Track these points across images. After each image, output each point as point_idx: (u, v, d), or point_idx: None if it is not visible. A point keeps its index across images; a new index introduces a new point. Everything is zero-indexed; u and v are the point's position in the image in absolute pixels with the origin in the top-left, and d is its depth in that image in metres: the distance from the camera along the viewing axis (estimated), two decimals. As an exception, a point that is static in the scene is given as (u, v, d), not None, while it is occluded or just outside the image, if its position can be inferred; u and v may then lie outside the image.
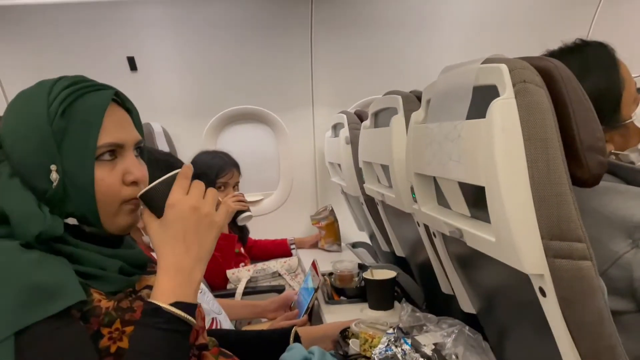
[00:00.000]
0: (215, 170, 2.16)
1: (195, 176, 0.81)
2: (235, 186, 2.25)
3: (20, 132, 0.76)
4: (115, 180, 0.78)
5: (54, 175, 0.74)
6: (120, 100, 0.83)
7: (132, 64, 2.49)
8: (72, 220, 0.78)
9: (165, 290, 0.72)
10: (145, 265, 0.88)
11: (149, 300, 0.72)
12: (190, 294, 0.74)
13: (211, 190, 0.80)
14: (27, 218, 0.72)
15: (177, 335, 0.71)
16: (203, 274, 0.77)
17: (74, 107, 0.76)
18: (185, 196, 0.77)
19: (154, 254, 1.06)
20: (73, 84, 0.77)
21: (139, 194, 0.79)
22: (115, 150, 0.79)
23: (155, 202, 0.78)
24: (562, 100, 0.75)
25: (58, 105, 0.74)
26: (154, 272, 0.91)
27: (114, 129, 0.78)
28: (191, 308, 0.73)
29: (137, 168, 0.80)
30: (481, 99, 0.77)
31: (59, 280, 0.69)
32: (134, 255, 0.85)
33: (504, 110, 0.72)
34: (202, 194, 0.78)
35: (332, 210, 2.53)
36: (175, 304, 0.71)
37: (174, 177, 0.78)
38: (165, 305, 0.71)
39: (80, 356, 0.68)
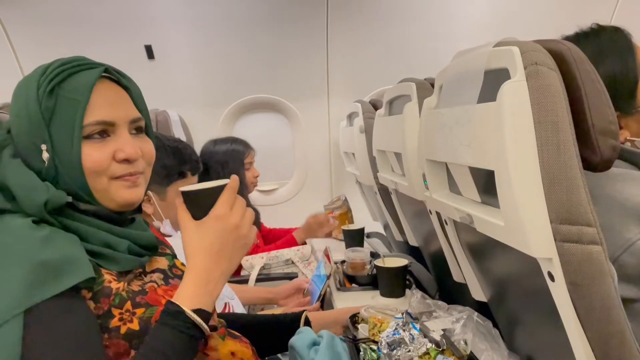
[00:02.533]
0: (241, 155, 2.29)
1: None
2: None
3: (16, 113, 0.78)
4: (103, 156, 0.78)
5: (45, 155, 0.76)
6: (116, 78, 0.83)
7: (149, 52, 2.52)
8: (68, 198, 0.78)
9: (190, 296, 0.74)
10: (155, 247, 0.89)
11: (173, 301, 0.74)
12: (210, 304, 0.76)
13: (250, 210, 0.82)
14: (31, 189, 0.74)
15: (192, 340, 0.73)
16: (223, 288, 0.79)
17: (62, 86, 0.76)
18: (230, 212, 0.78)
19: (168, 239, 1.08)
20: (65, 64, 0.78)
21: (182, 189, 0.80)
22: (106, 129, 0.79)
23: (196, 204, 0.79)
24: (574, 83, 0.74)
25: (47, 84, 0.75)
26: (164, 254, 0.92)
27: (102, 106, 0.78)
28: (209, 316, 0.76)
29: (129, 145, 0.79)
30: (493, 83, 0.77)
31: (69, 257, 0.70)
32: (144, 236, 0.86)
33: (515, 92, 0.71)
34: (244, 212, 0.80)
35: (345, 200, 2.53)
36: (197, 311, 0.73)
37: (221, 188, 0.80)
38: (188, 310, 0.73)
39: (87, 337, 0.69)
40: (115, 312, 0.74)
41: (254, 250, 2.21)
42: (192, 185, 0.82)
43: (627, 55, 0.95)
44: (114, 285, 0.76)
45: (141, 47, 2.50)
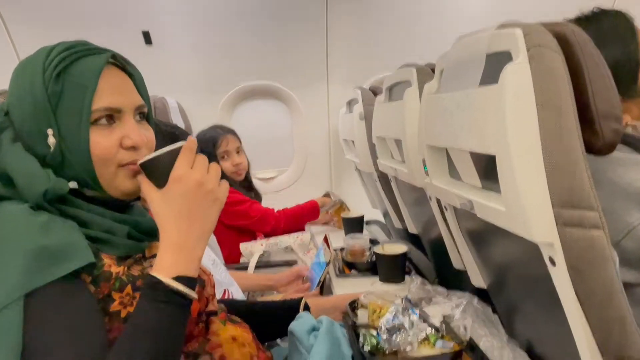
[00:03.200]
0: (210, 143, 2.17)
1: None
2: (239, 152, 2.26)
3: (19, 97, 0.77)
4: (111, 143, 0.77)
5: (51, 140, 0.75)
6: (121, 64, 0.82)
7: (147, 38, 2.49)
8: (73, 184, 0.78)
9: (167, 265, 0.72)
10: (154, 232, 0.88)
11: (150, 273, 0.72)
12: (192, 269, 0.73)
13: (214, 165, 0.79)
14: (31, 177, 0.73)
15: (177, 309, 0.71)
16: (204, 250, 0.77)
17: (69, 71, 0.76)
18: (191, 170, 0.76)
19: None
20: (70, 48, 0.77)
21: (140, 162, 0.78)
22: (113, 115, 0.78)
23: (156, 173, 0.77)
24: (578, 66, 0.73)
25: (53, 69, 0.74)
26: None
27: (110, 93, 0.77)
28: (192, 282, 0.73)
29: (135, 132, 0.79)
30: (495, 66, 0.75)
31: (68, 242, 0.70)
32: (144, 221, 0.85)
33: (517, 75, 0.70)
34: (206, 169, 0.77)
35: (333, 196, 2.53)
36: (177, 279, 0.71)
37: (177, 150, 0.77)
38: (165, 279, 0.70)
39: (88, 320, 0.69)
40: (116, 296, 0.74)
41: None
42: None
43: (629, 39, 0.94)
44: (114, 269, 0.75)
45: (139, 33, 2.48)
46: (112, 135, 0.78)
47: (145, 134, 0.82)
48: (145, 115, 0.85)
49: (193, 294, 0.72)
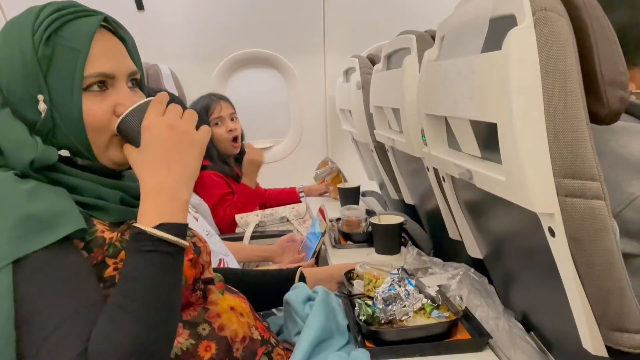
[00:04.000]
0: (203, 110, 2.12)
1: None
2: (234, 119, 2.21)
3: (8, 61, 0.73)
4: (105, 111, 0.75)
5: (42, 106, 0.72)
6: (113, 28, 0.79)
7: (139, 2, 2.42)
8: (64, 152, 0.75)
9: (149, 213, 0.69)
10: None
11: (134, 224, 0.68)
12: (177, 214, 0.70)
13: (190, 111, 0.76)
14: (19, 145, 0.71)
15: (166, 257, 0.67)
16: (190, 194, 0.73)
17: (60, 34, 0.72)
18: (161, 117, 0.72)
19: None
20: (60, 9, 0.73)
21: (115, 126, 0.74)
22: (105, 81, 0.75)
23: (131, 132, 0.74)
24: (584, 31, 0.70)
25: (43, 31, 0.71)
26: None
27: (103, 58, 0.74)
28: (178, 228, 0.69)
29: (129, 99, 0.76)
30: (498, 32, 0.73)
31: (57, 209, 0.68)
32: (136, 187, 0.83)
33: (522, 40, 0.68)
34: (179, 115, 0.74)
35: (332, 163, 2.51)
36: (160, 226, 0.67)
37: (144, 105, 0.74)
38: (148, 228, 0.67)
39: (80, 276, 0.67)
40: (110, 261, 0.73)
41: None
42: None
43: (637, 4, 0.91)
44: (107, 235, 0.74)
45: (130, -3, 2.41)
46: (105, 102, 0.75)
47: (138, 101, 0.79)
48: (137, 82, 0.82)
49: (181, 241, 0.68)
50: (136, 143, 0.73)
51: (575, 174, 0.68)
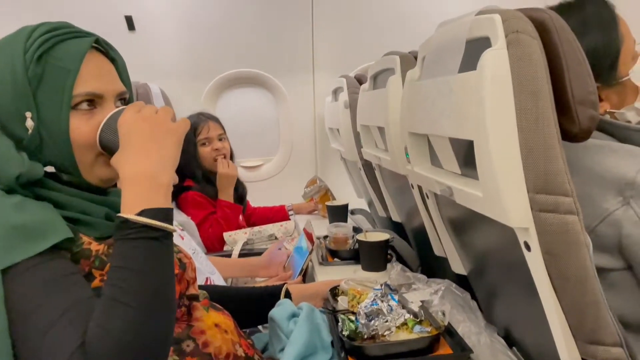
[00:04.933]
0: (191, 130, 2.04)
1: None
2: (222, 139, 2.20)
3: None
4: (91, 129, 0.76)
5: (30, 123, 0.73)
6: (104, 49, 0.81)
7: (130, 23, 2.45)
8: (50, 168, 0.76)
9: (130, 201, 0.68)
10: None
11: (117, 215, 0.68)
12: (159, 199, 0.69)
13: (165, 107, 0.76)
14: (5, 160, 0.72)
15: (152, 243, 0.66)
16: (172, 179, 0.72)
17: (51, 54, 0.74)
18: (137, 113, 0.73)
19: None
20: (53, 30, 0.75)
21: (97, 142, 0.75)
22: (94, 101, 0.77)
23: (109, 137, 0.74)
24: (555, 52, 0.73)
25: (34, 51, 0.73)
26: None
27: (92, 78, 0.76)
28: (162, 212, 0.68)
29: None
30: (475, 52, 0.76)
31: (44, 220, 0.69)
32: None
33: (495, 60, 0.70)
34: (154, 110, 0.74)
35: (320, 181, 2.52)
36: (142, 212, 0.66)
37: (119, 111, 0.75)
38: (131, 215, 0.66)
39: (70, 277, 0.67)
40: (96, 273, 0.73)
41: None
42: None
43: (610, 27, 0.94)
44: (94, 247, 0.74)
45: (121, 18, 2.44)
46: (92, 121, 0.76)
47: None
48: (126, 101, 0.84)
49: (166, 225, 0.68)
50: (117, 147, 0.73)
51: (548, 189, 0.70)
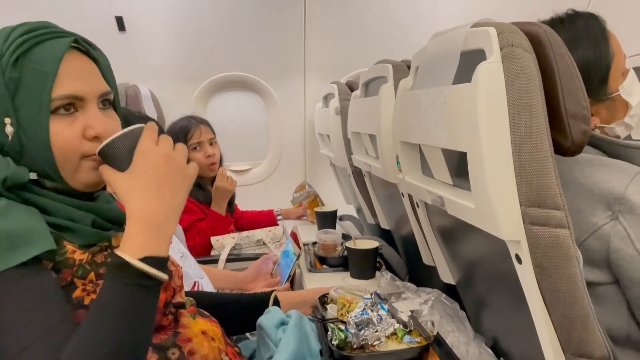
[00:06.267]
0: (182, 133, 2.08)
1: None
2: (213, 144, 2.19)
3: None
4: (73, 134, 0.74)
5: (9, 129, 0.71)
6: (85, 49, 0.78)
7: (120, 24, 2.43)
8: (32, 175, 0.74)
9: (135, 243, 0.67)
10: (121, 221, 0.86)
11: (116, 252, 0.67)
12: (162, 247, 0.69)
13: (181, 144, 0.76)
14: None
15: (145, 292, 0.67)
16: (175, 228, 0.73)
17: (28, 56, 0.72)
18: (155, 146, 0.72)
19: None
20: (31, 31, 0.73)
21: (98, 149, 0.74)
22: (74, 103, 0.74)
23: (118, 156, 0.73)
24: (549, 67, 0.74)
25: (11, 54, 0.71)
26: None
27: (71, 79, 0.73)
28: (162, 262, 0.68)
29: (99, 122, 0.75)
30: (469, 64, 0.76)
31: (28, 228, 0.67)
32: (110, 209, 0.83)
33: (490, 73, 0.71)
34: (172, 146, 0.74)
35: (309, 187, 2.52)
36: (145, 259, 0.66)
37: (137, 130, 0.74)
38: (133, 260, 0.65)
39: (49, 298, 0.66)
40: (79, 282, 0.72)
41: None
42: None
43: (601, 42, 0.95)
44: (77, 256, 0.73)
45: (111, 18, 2.41)
46: (74, 126, 0.74)
47: (109, 123, 0.78)
48: (111, 102, 0.82)
49: (163, 276, 0.68)
50: (122, 167, 0.72)
51: (540, 203, 0.71)
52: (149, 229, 0.68)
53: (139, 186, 0.70)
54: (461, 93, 0.76)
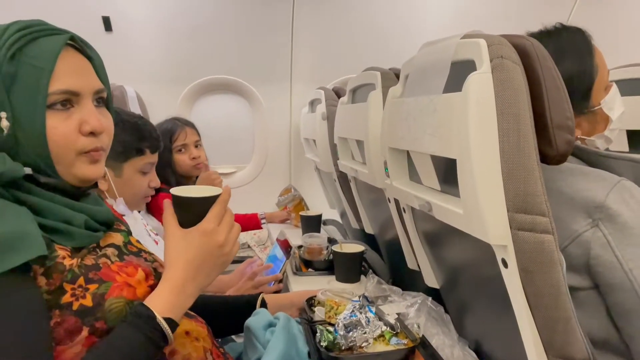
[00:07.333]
0: (167, 135, 2.07)
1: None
2: (198, 146, 2.18)
3: None
4: (69, 129, 0.75)
5: (4, 123, 0.72)
6: (80, 47, 0.79)
7: (107, 24, 2.41)
8: (27, 170, 0.74)
9: (163, 304, 0.75)
10: (111, 222, 0.86)
11: (146, 304, 0.74)
12: (180, 315, 0.77)
13: (237, 226, 0.83)
14: None
15: (153, 348, 0.73)
16: (192, 303, 0.80)
17: (25, 52, 0.73)
18: (218, 228, 0.80)
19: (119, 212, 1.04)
20: (26, 27, 0.74)
21: (173, 192, 0.80)
22: (71, 99, 0.75)
23: (186, 212, 0.80)
24: (536, 78, 0.76)
25: (7, 49, 0.71)
26: (119, 230, 0.90)
27: (68, 75, 0.74)
28: (175, 327, 0.76)
29: (94, 117, 0.77)
30: (458, 74, 0.79)
31: (19, 232, 0.66)
32: (100, 211, 0.83)
33: (480, 84, 0.73)
34: (231, 228, 0.82)
35: (294, 190, 2.53)
36: (168, 320, 0.74)
37: (213, 199, 0.80)
38: (160, 317, 0.73)
39: (30, 321, 0.66)
40: (68, 287, 0.72)
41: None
42: (183, 188, 0.83)
43: (585, 56, 0.99)
44: (67, 261, 0.73)
45: (98, 18, 2.40)
46: (70, 120, 0.75)
47: (103, 120, 0.79)
48: (104, 100, 0.83)
49: (172, 337, 0.75)
50: (182, 223, 0.80)
51: (526, 209, 0.73)
52: (178, 296, 0.77)
53: (185, 255, 0.79)
54: (452, 102, 0.79)
